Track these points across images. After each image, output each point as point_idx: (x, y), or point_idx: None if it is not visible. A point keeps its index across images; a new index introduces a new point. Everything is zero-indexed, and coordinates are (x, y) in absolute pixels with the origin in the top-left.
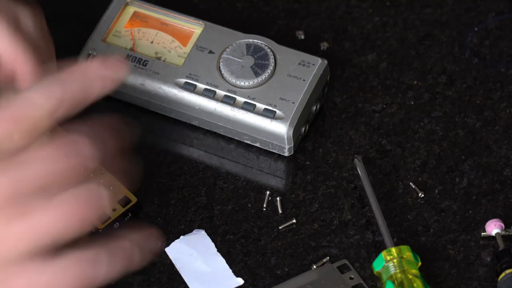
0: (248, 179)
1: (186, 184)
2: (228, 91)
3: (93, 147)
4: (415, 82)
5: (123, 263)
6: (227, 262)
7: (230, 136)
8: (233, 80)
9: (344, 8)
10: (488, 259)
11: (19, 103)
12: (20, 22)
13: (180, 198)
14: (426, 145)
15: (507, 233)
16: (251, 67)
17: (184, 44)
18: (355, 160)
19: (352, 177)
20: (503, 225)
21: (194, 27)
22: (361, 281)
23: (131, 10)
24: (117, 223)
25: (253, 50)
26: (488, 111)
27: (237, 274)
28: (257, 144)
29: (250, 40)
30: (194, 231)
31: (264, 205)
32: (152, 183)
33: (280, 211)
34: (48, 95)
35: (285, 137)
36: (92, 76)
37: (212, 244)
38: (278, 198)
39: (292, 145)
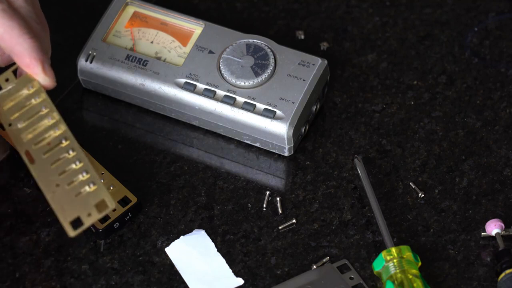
0: (248, 179)
1: (186, 184)
2: (228, 91)
3: None
4: (415, 82)
5: None
6: (227, 262)
7: (230, 136)
8: (233, 80)
9: (344, 8)
10: (488, 259)
11: None
12: (11, 2)
13: (180, 198)
14: (426, 145)
15: (507, 233)
16: (251, 67)
17: (184, 44)
18: (355, 160)
19: (352, 177)
20: (503, 225)
21: (194, 27)
22: (361, 281)
23: (131, 10)
24: (117, 223)
25: (253, 50)
26: (488, 111)
27: (237, 274)
28: (257, 144)
29: (250, 40)
30: (194, 231)
31: (264, 205)
32: (152, 183)
33: (280, 211)
34: None
35: (285, 137)
36: None
37: (212, 244)
38: (278, 198)
39: (292, 145)
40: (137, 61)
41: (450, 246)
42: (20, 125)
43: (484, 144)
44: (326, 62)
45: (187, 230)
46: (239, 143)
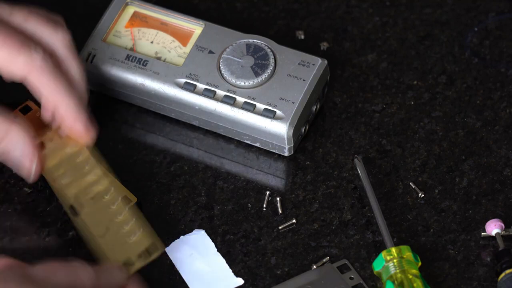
0: (248, 179)
1: (186, 184)
2: (228, 91)
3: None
4: (415, 82)
5: None
6: (227, 262)
7: (230, 136)
8: (233, 80)
9: (344, 8)
10: (488, 259)
11: None
12: (62, 61)
13: (180, 198)
14: (426, 145)
15: (507, 233)
16: (251, 67)
17: (184, 44)
18: (355, 160)
19: (352, 177)
20: (503, 225)
21: (194, 27)
22: (361, 281)
23: (131, 10)
24: None
25: (253, 50)
26: (488, 111)
27: (237, 274)
28: (257, 144)
29: (250, 40)
30: (194, 231)
31: (264, 205)
32: (152, 183)
33: (280, 211)
34: None
35: (285, 137)
36: None
37: (212, 244)
38: (278, 198)
39: (292, 145)
40: (137, 61)
41: (450, 246)
42: (64, 182)
43: (484, 144)
44: (326, 62)
45: (187, 230)
46: (239, 143)
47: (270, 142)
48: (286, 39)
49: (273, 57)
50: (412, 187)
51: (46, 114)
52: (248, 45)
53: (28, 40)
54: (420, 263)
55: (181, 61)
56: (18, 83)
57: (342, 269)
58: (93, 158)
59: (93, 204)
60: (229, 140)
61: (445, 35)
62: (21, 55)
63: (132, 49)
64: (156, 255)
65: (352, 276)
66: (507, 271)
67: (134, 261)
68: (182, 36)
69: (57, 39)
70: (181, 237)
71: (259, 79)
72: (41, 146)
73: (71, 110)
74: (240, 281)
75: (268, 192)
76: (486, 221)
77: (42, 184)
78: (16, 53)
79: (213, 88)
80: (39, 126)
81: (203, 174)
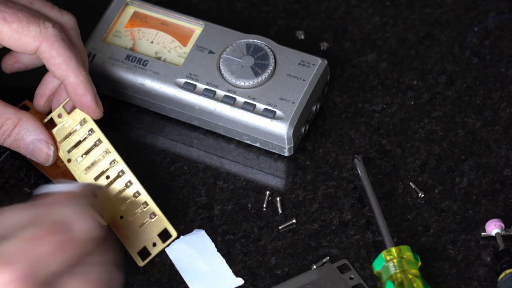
0: (248, 179)
1: (186, 184)
2: (228, 91)
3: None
4: (415, 82)
5: None
6: (227, 262)
7: (230, 136)
8: (233, 80)
9: (344, 8)
10: (488, 259)
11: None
12: (71, 36)
13: (180, 198)
14: (426, 145)
15: (507, 233)
16: (251, 67)
17: (184, 44)
18: (355, 160)
19: (352, 177)
20: (503, 225)
21: (194, 27)
22: (361, 281)
23: (131, 10)
24: None
25: (253, 50)
26: (488, 111)
27: (237, 274)
28: (257, 144)
29: (250, 40)
30: (194, 231)
31: (264, 205)
32: (152, 183)
33: (280, 211)
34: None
35: (285, 137)
36: None
37: (212, 244)
38: (278, 198)
39: (292, 145)
40: (137, 61)
41: (450, 246)
42: (78, 160)
43: (484, 144)
44: (326, 62)
45: (187, 230)
46: (239, 143)
47: (270, 142)
48: (286, 39)
49: (273, 57)
50: (412, 187)
51: (40, 100)
52: (248, 45)
53: (37, 14)
54: (420, 263)
55: (181, 61)
56: (16, 84)
57: (342, 269)
58: (103, 135)
59: (109, 185)
60: (229, 140)
61: (445, 35)
62: (32, 26)
63: (132, 49)
64: (170, 241)
65: (352, 276)
66: (507, 271)
67: (149, 249)
68: (182, 36)
69: (63, 20)
70: (181, 237)
71: (259, 79)
72: (51, 122)
73: (81, 82)
74: (240, 281)
75: (268, 192)
76: (486, 221)
77: (42, 184)
78: (26, 24)
79: (213, 88)
80: None
81: (203, 174)
